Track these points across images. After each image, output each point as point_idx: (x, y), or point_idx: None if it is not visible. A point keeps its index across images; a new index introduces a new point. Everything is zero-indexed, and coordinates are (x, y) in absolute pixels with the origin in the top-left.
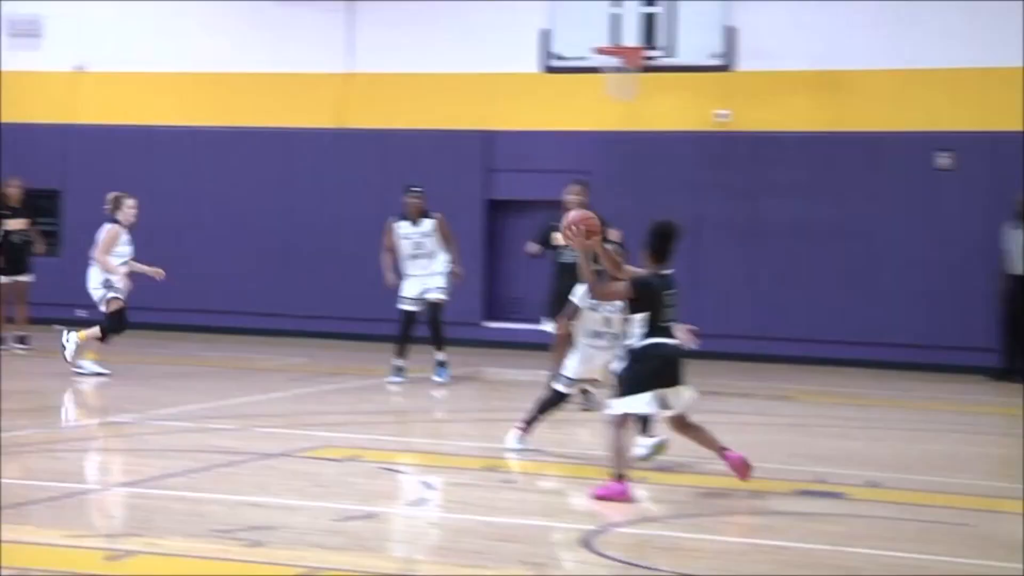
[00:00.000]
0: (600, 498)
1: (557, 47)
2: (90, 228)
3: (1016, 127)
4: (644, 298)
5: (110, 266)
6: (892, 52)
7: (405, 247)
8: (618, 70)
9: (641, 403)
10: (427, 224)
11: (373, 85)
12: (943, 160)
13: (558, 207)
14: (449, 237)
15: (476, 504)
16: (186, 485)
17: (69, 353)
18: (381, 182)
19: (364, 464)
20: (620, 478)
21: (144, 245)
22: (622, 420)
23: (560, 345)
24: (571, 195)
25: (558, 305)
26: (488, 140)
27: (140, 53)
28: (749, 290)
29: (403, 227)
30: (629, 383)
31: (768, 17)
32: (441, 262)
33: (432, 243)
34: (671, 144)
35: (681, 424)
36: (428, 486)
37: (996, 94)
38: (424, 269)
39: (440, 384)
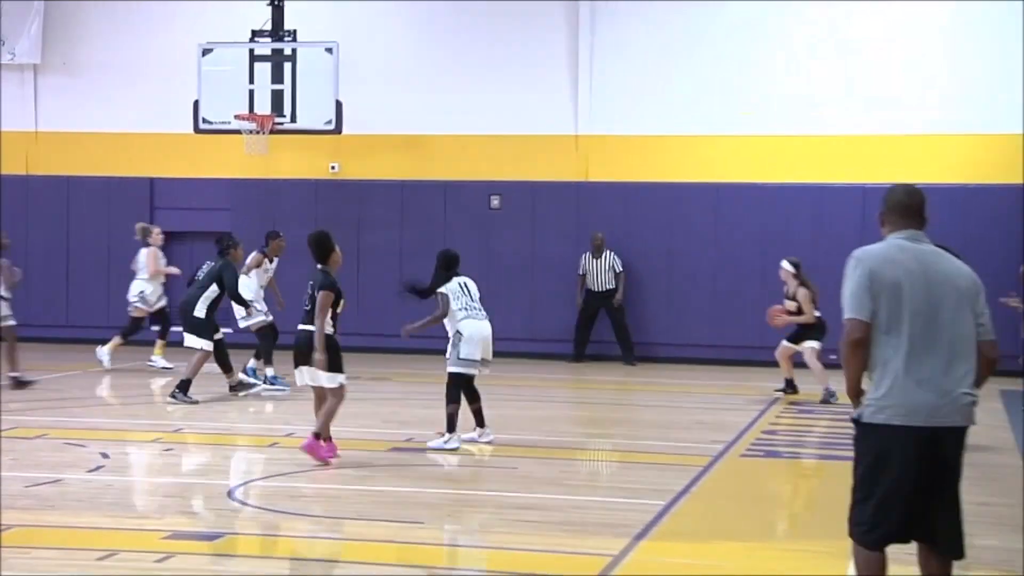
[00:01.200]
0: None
1: (205, 113)
2: None
3: (544, 178)
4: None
5: (164, 273)
6: (458, 121)
7: (262, 278)
8: (253, 132)
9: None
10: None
11: (57, 141)
12: (495, 201)
13: (208, 237)
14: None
15: (143, 468)
16: None
17: (106, 362)
18: (63, 218)
19: (51, 441)
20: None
21: None
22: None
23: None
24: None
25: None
26: (152, 185)
27: None
28: (356, 297)
29: (267, 263)
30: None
31: (366, 94)
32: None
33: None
34: (295, 189)
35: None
36: (105, 456)
37: (532, 153)
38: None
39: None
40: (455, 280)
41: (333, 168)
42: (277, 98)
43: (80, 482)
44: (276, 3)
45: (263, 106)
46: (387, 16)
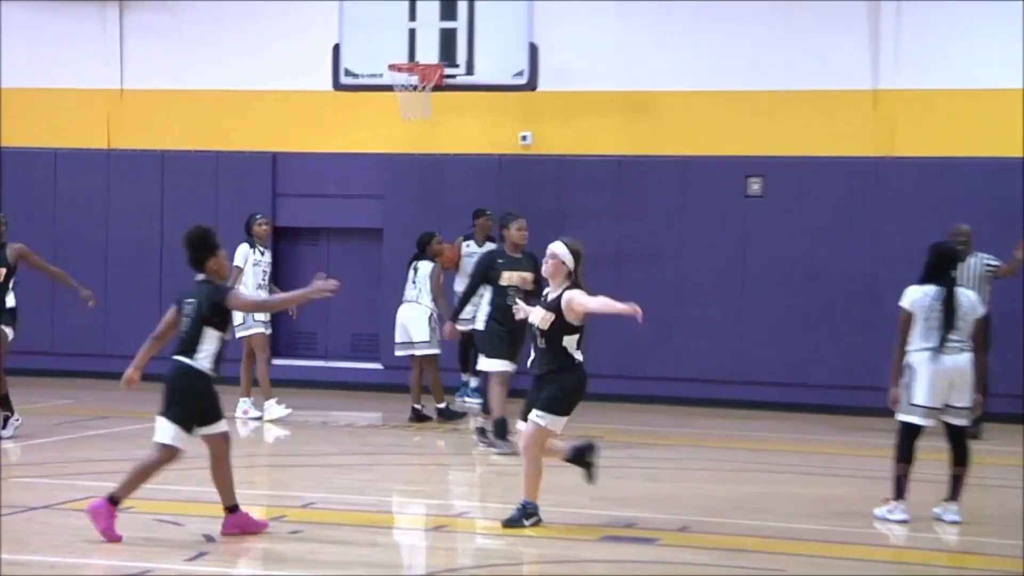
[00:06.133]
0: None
1: (348, 63)
2: None
3: (826, 152)
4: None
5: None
6: (700, 73)
7: (467, 264)
8: (413, 88)
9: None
10: (490, 247)
11: (148, 103)
12: (754, 186)
13: (350, 235)
14: None
15: (258, 557)
16: None
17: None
18: (155, 205)
19: (137, 516)
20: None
21: None
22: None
23: (502, 384)
24: (522, 230)
25: (504, 345)
26: (275, 163)
27: None
28: None
29: (471, 246)
30: None
31: (573, 34)
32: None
33: None
34: (469, 167)
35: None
36: (208, 538)
37: (809, 117)
38: None
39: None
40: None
41: (524, 139)
42: (447, 41)
43: (175, 574)
44: None
45: (428, 53)
46: None
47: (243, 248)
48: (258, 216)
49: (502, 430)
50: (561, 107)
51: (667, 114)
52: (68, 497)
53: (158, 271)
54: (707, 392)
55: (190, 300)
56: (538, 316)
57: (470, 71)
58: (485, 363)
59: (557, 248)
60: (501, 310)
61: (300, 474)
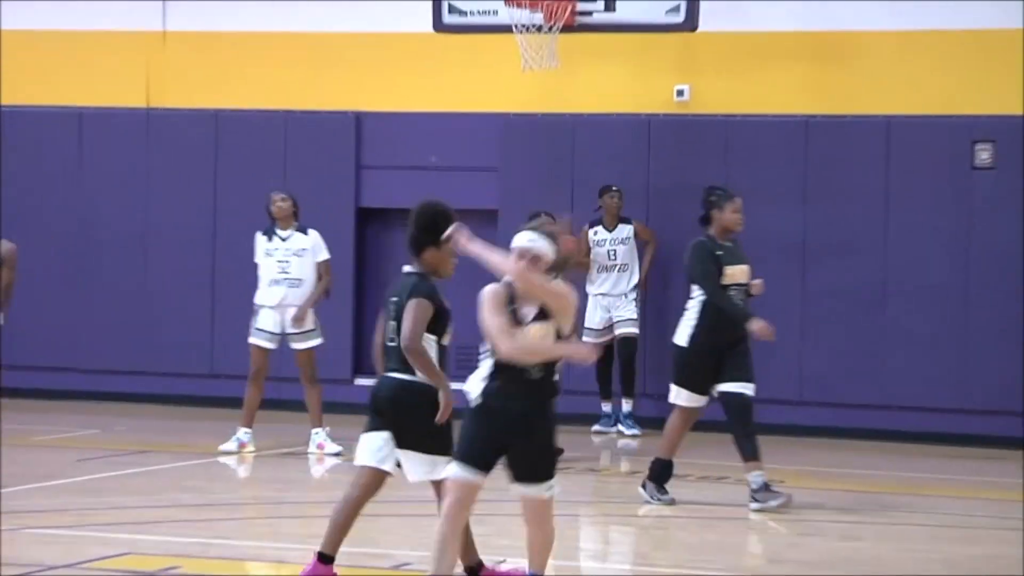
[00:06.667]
0: None
1: None
2: None
3: None
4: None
5: None
6: (912, 8)
7: (598, 256)
8: (537, 29)
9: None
10: (625, 230)
11: (196, 48)
12: (982, 154)
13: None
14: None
15: None
16: None
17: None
18: (207, 179)
19: None
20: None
21: None
22: None
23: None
24: (737, 212)
25: (709, 372)
26: (359, 125)
27: None
28: None
29: (599, 233)
30: None
31: None
32: (631, 280)
33: (627, 253)
34: (609, 131)
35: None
36: None
37: None
38: (613, 288)
39: (631, 436)
40: None
41: (680, 95)
42: None
43: None
44: None
45: None
46: None
47: (256, 238)
48: (275, 192)
49: (667, 475)
50: (729, 53)
51: (868, 62)
52: (98, 554)
53: (210, 264)
54: (923, 423)
55: (394, 298)
56: (538, 334)
57: (610, 7)
58: (678, 394)
59: (534, 244)
60: (716, 321)
61: (391, 526)
